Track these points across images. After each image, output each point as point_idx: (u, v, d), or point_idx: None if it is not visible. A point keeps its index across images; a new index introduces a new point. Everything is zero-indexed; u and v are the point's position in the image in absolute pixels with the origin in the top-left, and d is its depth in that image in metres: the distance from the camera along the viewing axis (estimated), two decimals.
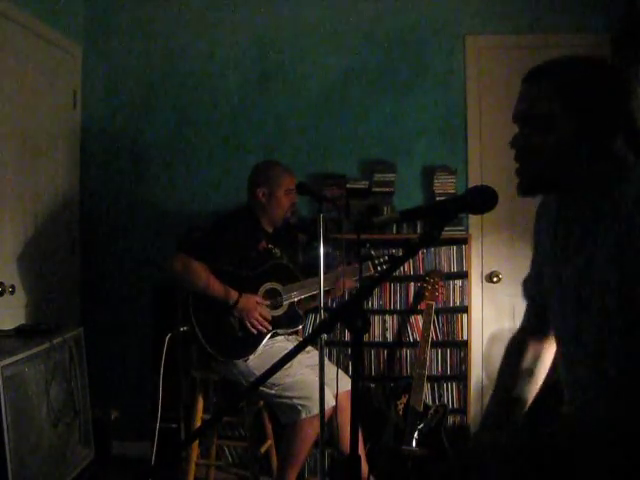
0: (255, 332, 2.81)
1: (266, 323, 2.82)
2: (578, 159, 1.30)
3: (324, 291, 2.80)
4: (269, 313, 2.85)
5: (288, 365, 2.72)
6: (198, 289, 2.76)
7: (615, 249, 1.24)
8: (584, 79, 1.31)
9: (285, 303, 2.91)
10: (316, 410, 2.61)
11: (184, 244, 2.88)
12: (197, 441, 2.98)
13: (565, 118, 1.29)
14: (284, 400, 2.73)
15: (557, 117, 1.29)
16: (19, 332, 2.81)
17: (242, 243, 2.86)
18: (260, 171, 2.98)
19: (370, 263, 2.98)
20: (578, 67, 1.34)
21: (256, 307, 2.79)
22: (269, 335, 2.85)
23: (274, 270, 2.93)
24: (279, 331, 2.90)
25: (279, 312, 2.90)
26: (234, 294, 2.77)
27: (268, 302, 2.87)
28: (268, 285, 2.90)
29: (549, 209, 1.48)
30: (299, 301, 2.97)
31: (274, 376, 2.72)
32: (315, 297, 2.93)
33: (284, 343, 2.93)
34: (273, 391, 2.72)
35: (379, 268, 3.00)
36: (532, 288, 1.59)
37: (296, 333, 3.13)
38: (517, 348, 1.60)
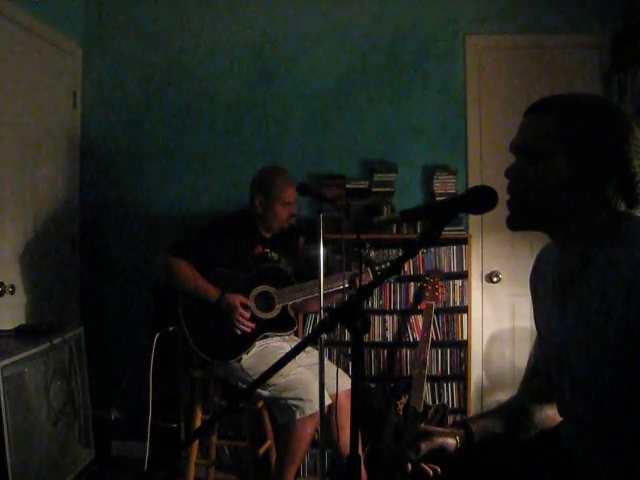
0: (239, 332, 2.77)
1: (248, 323, 2.77)
2: (570, 198, 1.29)
3: (335, 290, 2.81)
4: (249, 313, 2.79)
5: None
6: (181, 287, 2.76)
7: (607, 317, 1.24)
8: (585, 118, 1.28)
9: (278, 306, 2.87)
10: (310, 410, 2.62)
11: (170, 246, 2.84)
12: (197, 441, 2.98)
13: (562, 155, 1.27)
14: (279, 401, 2.73)
15: (554, 153, 1.28)
16: (19, 332, 2.81)
17: (235, 246, 2.84)
18: (260, 179, 2.95)
19: (370, 269, 2.93)
20: (580, 105, 1.31)
21: (237, 307, 2.75)
22: (259, 337, 2.83)
23: (268, 273, 2.91)
24: (269, 334, 2.88)
25: (271, 315, 2.87)
26: (217, 292, 2.76)
27: (254, 305, 2.83)
28: (260, 288, 2.88)
29: (548, 262, 1.46)
30: (293, 305, 2.95)
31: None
32: (310, 301, 2.91)
33: (279, 342, 2.92)
34: (268, 393, 2.72)
35: (379, 274, 2.97)
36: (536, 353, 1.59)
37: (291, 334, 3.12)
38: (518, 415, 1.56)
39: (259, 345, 2.83)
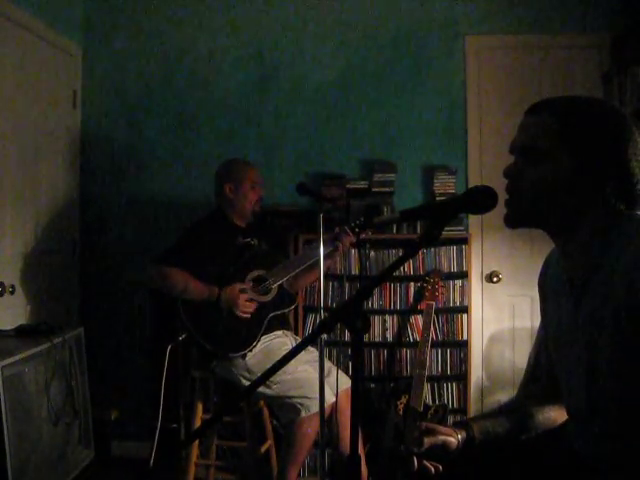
0: (246, 317, 2.80)
1: (252, 305, 2.82)
2: (570, 198, 1.29)
3: (324, 256, 2.78)
4: (253, 296, 2.84)
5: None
6: (178, 293, 2.79)
7: (613, 323, 1.24)
8: (586, 119, 1.29)
9: (274, 286, 2.91)
10: (315, 408, 2.62)
11: (157, 255, 2.88)
12: (197, 441, 2.98)
13: (563, 156, 1.28)
14: (284, 400, 2.73)
15: (555, 154, 1.28)
16: (19, 332, 2.81)
17: (217, 243, 2.87)
18: (225, 168, 3.04)
19: (347, 228, 2.90)
20: (582, 106, 1.32)
21: (238, 295, 2.79)
22: (266, 322, 2.85)
23: (255, 258, 2.95)
24: (274, 314, 2.90)
25: (270, 296, 2.90)
26: (214, 290, 2.79)
27: (251, 284, 2.87)
28: (253, 274, 2.91)
29: (557, 264, 1.46)
30: (288, 281, 2.98)
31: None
32: (304, 274, 2.96)
33: (282, 338, 2.93)
34: (272, 391, 2.72)
35: (357, 230, 2.97)
36: (541, 355, 1.59)
37: (292, 329, 3.12)
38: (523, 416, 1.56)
39: (262, 342, 2.84)
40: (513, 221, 1.36)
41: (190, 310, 2.80)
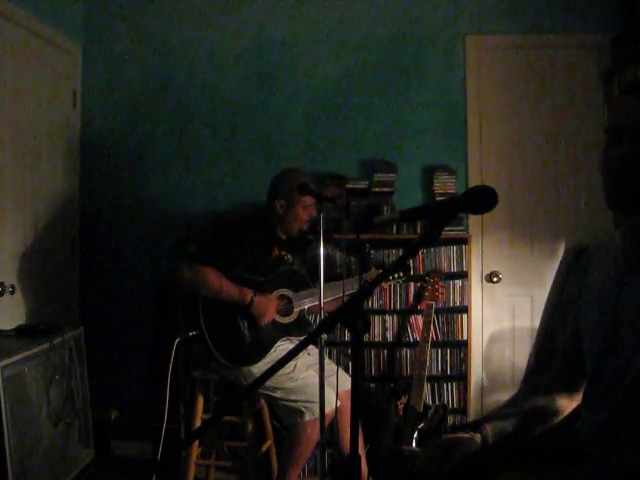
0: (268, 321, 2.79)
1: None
2: None
3: (350, 294, 2.83)
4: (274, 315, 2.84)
5: (290, 369, 2.71)
6: (211, 293, 2.73)
7: None
8: None
9: (296, 310, 2.88)
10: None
11: (193, 253, 2.82)
12: (197, 441, 2.98)
13: None
14: (288, 403, 2.73)
15: None
16: (19, 332, 2.82)
17: (255, 250, 2.82)
18: (280, 182, 2.90)
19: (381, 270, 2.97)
20: None
21: (269, 306, 2.77)
22: (278, 342, 2.83)
23: (286, 277, 2.91)
24: (288, 338, 2.88)
25: (290, 319, 2.88)
26: (249, 293, 2.75)
27: (282, 302, 2.85)
28: (280, 292, 2.88)
29: (608, 251, 1.44)
30: (310, 308, 2.95)
31: (277, 380, 2.72)
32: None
33: (289, 345, 2.90)
34: (277, 394, 2.72)
35: (392, 279, 2.98)
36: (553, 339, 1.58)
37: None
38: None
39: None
40: (618, 204, 1.32)
41: (209, 312, 2.76)
